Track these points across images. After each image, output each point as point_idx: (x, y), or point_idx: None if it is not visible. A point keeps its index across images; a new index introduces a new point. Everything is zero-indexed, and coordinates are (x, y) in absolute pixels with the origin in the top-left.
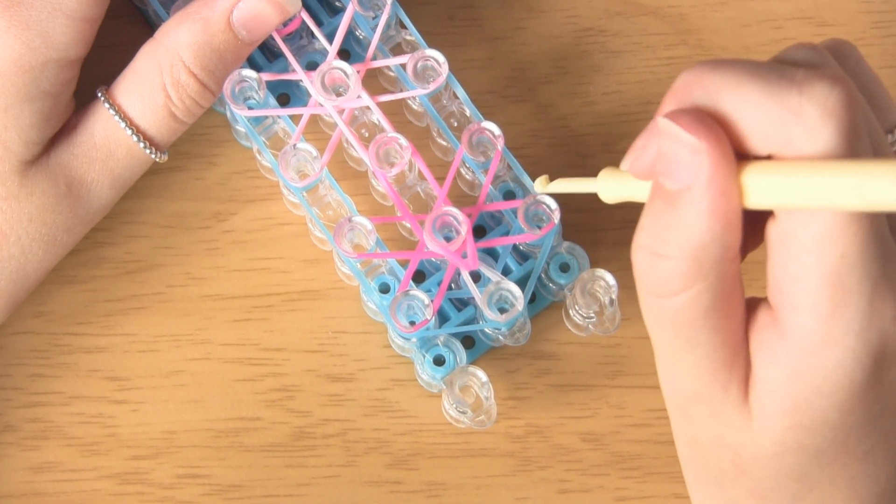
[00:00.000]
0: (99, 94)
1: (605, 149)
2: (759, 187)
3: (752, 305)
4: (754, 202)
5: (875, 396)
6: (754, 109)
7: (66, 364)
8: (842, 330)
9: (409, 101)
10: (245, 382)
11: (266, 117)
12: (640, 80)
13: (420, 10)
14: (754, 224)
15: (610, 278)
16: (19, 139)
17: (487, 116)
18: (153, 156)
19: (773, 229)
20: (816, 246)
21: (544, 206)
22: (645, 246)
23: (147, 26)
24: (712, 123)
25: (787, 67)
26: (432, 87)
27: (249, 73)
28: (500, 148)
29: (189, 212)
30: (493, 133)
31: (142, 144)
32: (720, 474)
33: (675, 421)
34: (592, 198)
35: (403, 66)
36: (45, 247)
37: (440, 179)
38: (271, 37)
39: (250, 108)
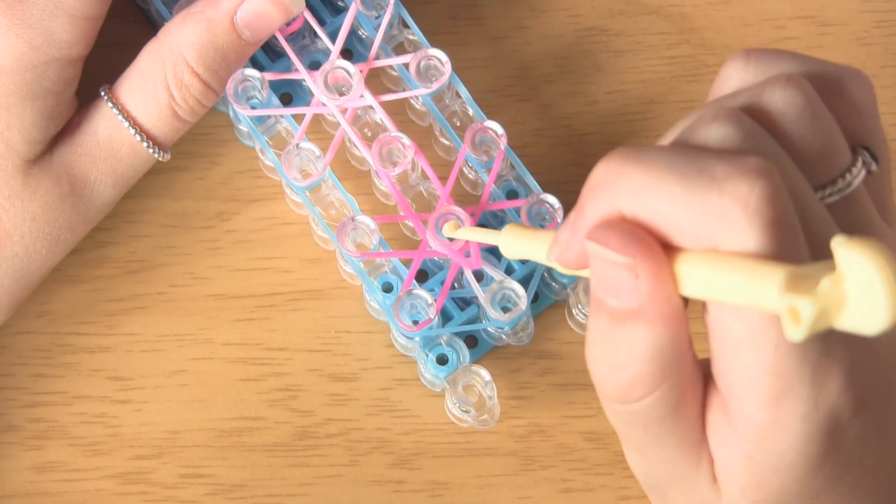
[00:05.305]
0: (102, 93)
1: (608, 148)
2: (687, 279)
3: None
4: (686, 292)
5: (836, 460)
6: (678, 211)
7: (68, 364)
8: (788, 416)
9: (412, 101)
10: (248, 382)
11: (269, 117)
12: (643, 79)
13: (422, 10)
14: None
15: None
16: (22, 138)
17: (490, 115)
18: (156, 155)
19: (707, 317)
20: (749, 339)
21: (547, 206)
22: (601, 360)
23: (150, 26)
24: (640, 234)
25: (706, 159)
26: (435, 86)
27: (252, 72)
28: (502, 147)
29: (192, 211)
30: (495, 132)
31: (145, 143)
32: None
33: (652, 499)
34: None
35: (406, 65)
36: (48, 245)
37: (443, 179)
38: (274, 36)
39: (253, 107)
